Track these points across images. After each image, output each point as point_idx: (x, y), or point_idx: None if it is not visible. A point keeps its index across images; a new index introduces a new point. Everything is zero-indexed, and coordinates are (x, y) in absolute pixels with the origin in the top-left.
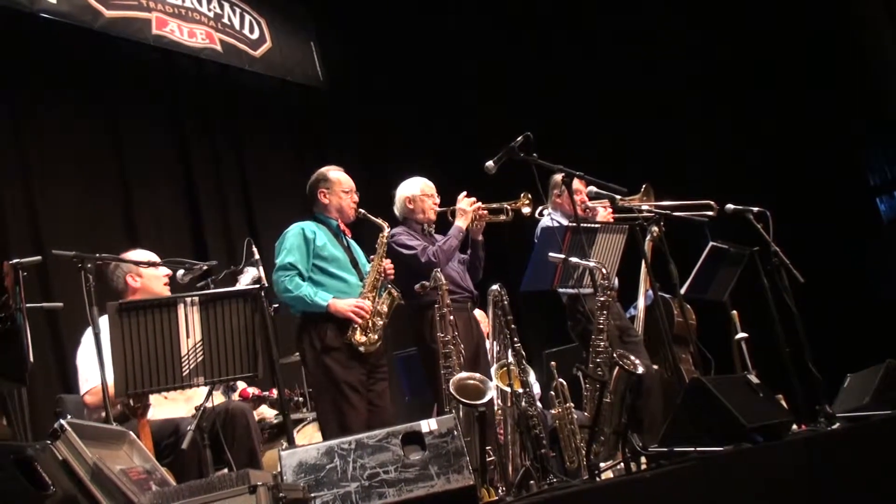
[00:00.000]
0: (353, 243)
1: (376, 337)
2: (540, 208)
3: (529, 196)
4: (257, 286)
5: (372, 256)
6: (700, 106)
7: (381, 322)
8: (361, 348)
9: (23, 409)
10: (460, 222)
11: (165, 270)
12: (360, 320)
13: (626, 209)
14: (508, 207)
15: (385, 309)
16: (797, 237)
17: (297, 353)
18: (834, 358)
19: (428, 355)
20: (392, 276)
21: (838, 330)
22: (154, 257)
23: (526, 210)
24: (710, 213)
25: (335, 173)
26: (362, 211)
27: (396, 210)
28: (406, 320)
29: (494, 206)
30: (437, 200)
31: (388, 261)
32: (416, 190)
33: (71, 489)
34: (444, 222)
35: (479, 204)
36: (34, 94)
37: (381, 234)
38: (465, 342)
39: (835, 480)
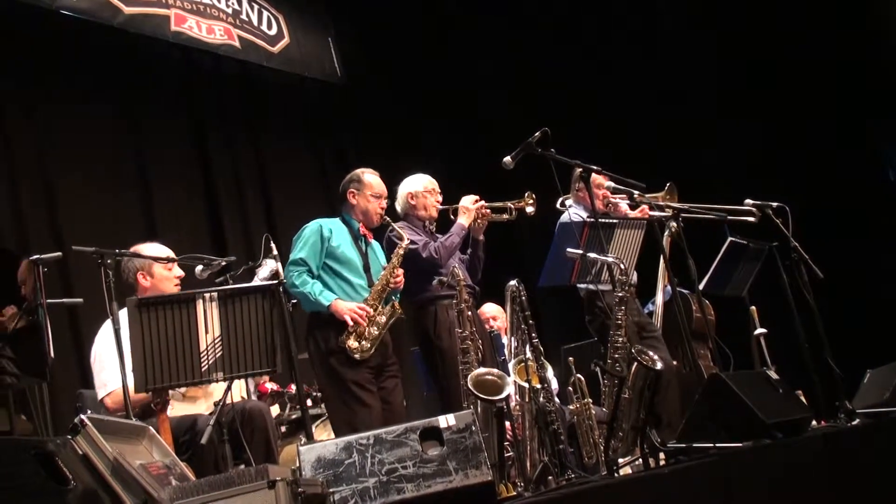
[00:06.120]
0: (375, 248)
1: (369, 345)
2: (561, 199)
3: (534, 196)
4: (275, 282)
5: (386, 264)
6: (720, 104)
7: (376, 332)
8: (356, 355)
9: (44, 404)
10: (462, 220)
11: (179, 272)
12: (354, 325)
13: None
14: (512, 206)
15: (383, 320)
16: (816, 232)
17: (306, 354)
18: (853, 354)
19: (430, 353)
20: (400, 287)
21: (858, 326)
22: (168, 252)
23: (529, 209)
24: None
25: (369, 176)
26: (388, 219)
27: (398, 206)
28: (409, 316)
29: (498, 204)
30: (440, 198)
31: (401, 271)
32: (418, 186)
33: (91, 484)
34: (447, 221)
35: (482, 202)
36: (53, 91)
37: (398, 246)
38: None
39: (854, 476)
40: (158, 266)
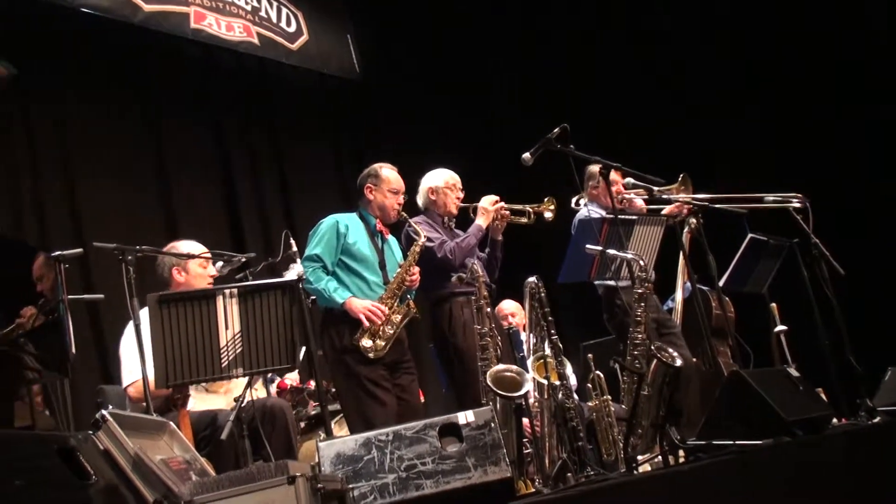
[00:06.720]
0: (392, 244)
1: (383, 344)
2: (576, 198)
3: (554, 201)
4: (295, 278)
5: (402, 262)
6: (735, 98)
7: (390, 331)
8: (370, 354)
9: (65, 399)
10: (480, 221)
11: (212, 271)
12: (368, 323)
13: (664, 200)
14: (531, 210)
15: (398, 319)
16: (837, 228)
17: (321, 351)
18: (875, 351)
19: (445, 350)
20: (416, 285)
21: (879, 322)
22: (203, 249)
23: (548, 215)
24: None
25: (387, 171)
26: (405, 215)
27: (419, 199)
28: (425, 313)
29: (517, 207)
30: (461, 195)
31: (416, 270)
32: (440, 182)
33: (112, 479)
34: (466, 219)
35: (502, 203)
36: (74, 90)
37: (414, 244)
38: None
39: (875, 474)
40: (194, 262)
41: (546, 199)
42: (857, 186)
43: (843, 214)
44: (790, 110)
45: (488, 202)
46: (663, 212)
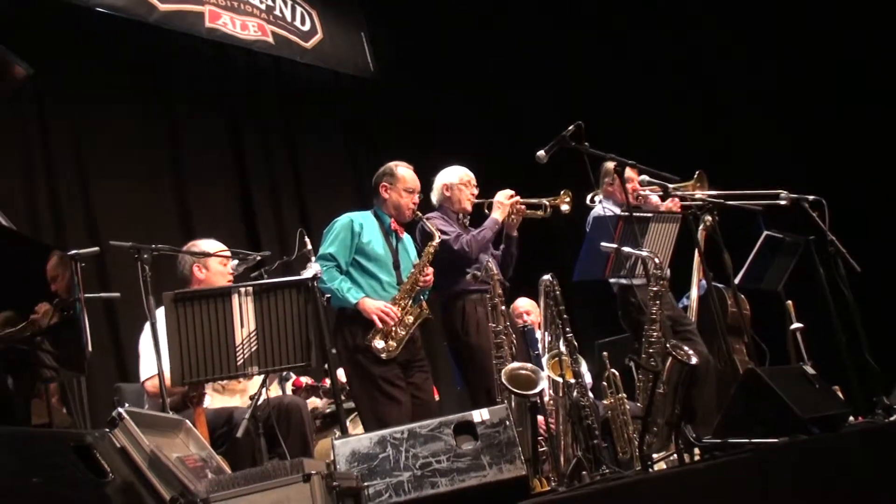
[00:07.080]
0: (407, 243)
1: (395, 345)
2: (591, 195)
3: (570, 194)
4: (310, 276)
5: (416, 262)
6: (751, 96)
7: (403, 332)
8: (382, 355)
9: (82, 397)
10: (496, 214)
11: (231, 269)
12: (381, 325)
13: (679, 197)
14: (547, 204)
15: (410, 320)
16: (853, 225)
17: (335, 350)
18: (891, 348)
19: (458, 349)
20: (429, 286)
21: (895, 320)
22: (221, 247)
23: (564, 207)
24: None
25: (402, 170)
26: (420, 214)
27: (434, 196)
28: (438, 311)
29: (533, 201)
30: (476, 191)
31: (430, 270)
32: (454, 178)
33: (129, 476)
34: (480, 215)
35: (517, 198)
36: (88, 89)
37: (429, 244)
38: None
39: (892, 472)
40: (214, 260)
41: (562, 192)
42: (860, 186)
43: (844, 214)
44: (791, 110)
45: (504, 196)
46: (660, 208)
